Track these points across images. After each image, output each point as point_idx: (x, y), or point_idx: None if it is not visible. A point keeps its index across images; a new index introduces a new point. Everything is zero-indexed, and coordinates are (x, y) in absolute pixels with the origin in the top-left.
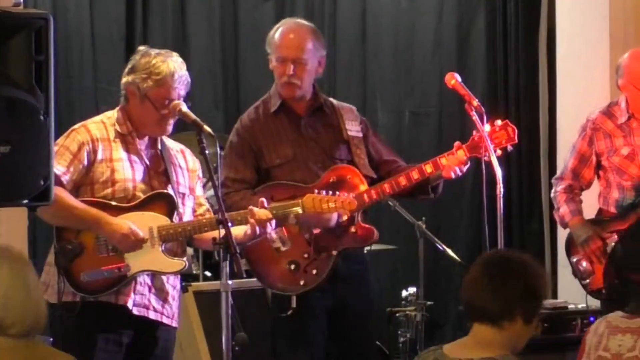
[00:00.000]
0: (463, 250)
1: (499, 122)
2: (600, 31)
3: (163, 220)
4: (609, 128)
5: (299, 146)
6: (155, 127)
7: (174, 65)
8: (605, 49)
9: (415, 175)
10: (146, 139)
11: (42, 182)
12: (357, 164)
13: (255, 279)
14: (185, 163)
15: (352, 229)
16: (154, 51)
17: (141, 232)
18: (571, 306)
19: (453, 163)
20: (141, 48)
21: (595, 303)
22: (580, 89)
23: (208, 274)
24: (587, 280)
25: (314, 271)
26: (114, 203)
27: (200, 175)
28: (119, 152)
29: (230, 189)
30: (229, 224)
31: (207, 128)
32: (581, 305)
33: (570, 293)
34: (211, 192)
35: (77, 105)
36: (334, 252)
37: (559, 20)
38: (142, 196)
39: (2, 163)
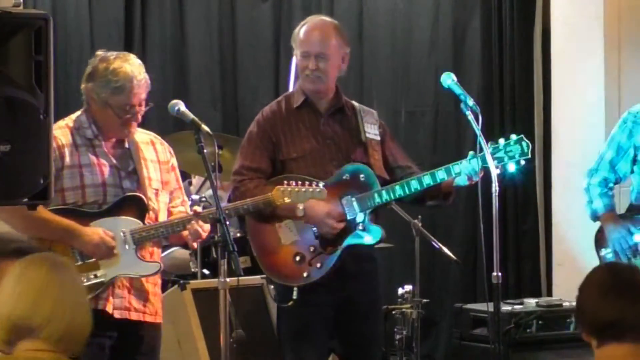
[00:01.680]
0: (459, 249)
1: (514, 137)
2: (594, 31)
3: (135, 223)
4: None
5: (317, 143)
6: (119, 132)
7: (132, 69)
8: (599, 48)
9: (426, 180)
10: (113, 139)
11: (41, 181)
12: (372, 166)
13: (253, 278)
14: (156, 155)
15: (360, 227)
16: (111, 55)
17: (113, 237)
18: (566, 304)
19: (466, 171)
20: (99, 53)
21: None
22: (574, 88)
23: (206, 272)
24: None
25: (318, 264)
26: (85, 209)
27: (175, 164)
28: (86, 157)
29: (245, 177)
30: (227, 222)
31: (205, 127)
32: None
33: (565, 291)
34: (210, 191)
35: (76, 105)
36: (339, 248)
37: (554, 21)
38: (114, 200)
39: (2, 162)
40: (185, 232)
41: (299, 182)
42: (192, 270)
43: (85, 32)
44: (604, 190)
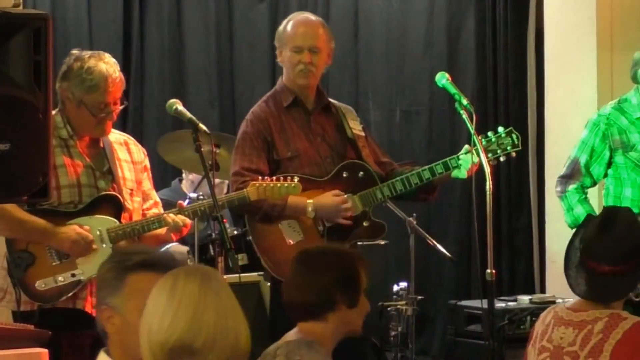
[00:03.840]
0: (453, 246)
1: (501, 130)
2: (587, 31)
3: (111, 222)
4: (623, 123)
5: (309, 141)
6: (94, 130)
7: (107, 68)
8: (592, 49)
9: (426, 174)
10: (87, 138)
11: (40, 179)
12: (365, 162)
13: (250, 275)
14: (130, 156)
15: (365, 223)
16: (86, 54)
17: (89, 234)
18: (559, 300)
19: (466, 163)
20: (74, 52)
21: None
22: (567, 88)
23: None
24: None
25: None
26: (61, 209)
27: (148, 165)
28: (61, 158)
29: (247, 178)
30: (224, 220)
31: (202, 126)
32: (569, 300)
33: (558, 287)
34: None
35: None
36: (346, 245)
37: (547, 21)
38: (89, 200)
39: (2, 160)
40: (161, 231)
41: (274, 178)
42: None
43: (84, 32)
44: (582, 196)
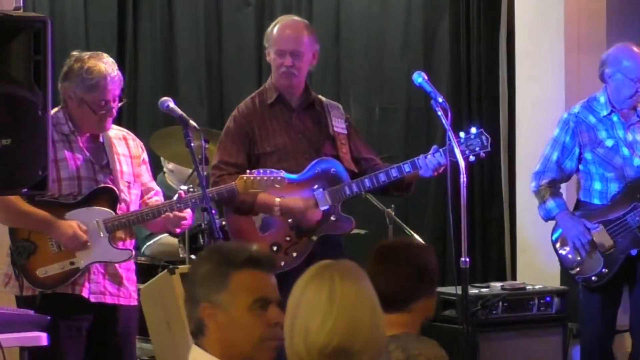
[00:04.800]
0: (429, 235)
1: (473, 131)
2: (555, 34)
3: (107, 213)
4: (592, 122)
5: (289, 137)
6: (95, 127)
7: (105, 67)
8: (560, 49)
9: (394, 173)
10: (87, 134)
11: (40, 172)
12: (341, 159)
13: None
14: (128, 150)
15: (332, 218)
16: (85, 55)
17: (87, 229)
18: (529, 287)
19: (431, 165)
20: (74, 53)
21: (551, 284)
22: (537, 86)
23: (194, 257)
24: (577, 270)
25: (294, 254)
26: (61, 201)
27: (146, 159)
28: (62, 152)
29: (224, 172)
30: (213, 211)
31: (192, 122)
32: (538, 286)
33: (528, 275)
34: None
35: None
36: (314, 238)
37: (518, 23)
38: (87, 192)
39: (4, 154)
40: (170, 214)
41: (260, 171)
42: (181, 255)
43: (81, 33)
44: (554, 191)
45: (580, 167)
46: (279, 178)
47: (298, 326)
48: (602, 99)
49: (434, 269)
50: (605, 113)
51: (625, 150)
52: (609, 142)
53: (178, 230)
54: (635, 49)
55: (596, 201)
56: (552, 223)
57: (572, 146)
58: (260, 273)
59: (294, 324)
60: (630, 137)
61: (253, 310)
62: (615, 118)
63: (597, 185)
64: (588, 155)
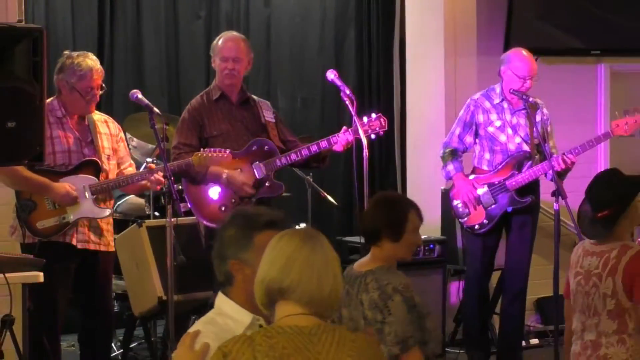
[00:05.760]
0: (339, 197)
1: (373, 115)
2: (437, 41)
3: (92, 179)
4: (487, 106)
5: (231, 125)
6: (83, 109)
7: (92, 62)
8: (440, 54)
9: (313, 148)
10: (76, 117)
11: (38, 148)
12: (272, 140)
13: (191, 218)
14: (109, 130)
15: (267, 184)
16: (75, 54)
17: (76, 190)
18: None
19: (342, 141)
20: (65, 52)
21: (434, 235)
22: (422, 83)
23: (157, 214)
24: (465, 219)
25: None
26: (55, 169)
27: (123, 137)
28: (56, 132)
29: (181, 151)
30: (172, 178)
31: (156, 109)
32: (424, 237)
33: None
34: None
35: None
36: (253, 200)
37: (408, 34)
38: (76, 162)
39: (10, 134)
40: (143, 183)
41: (211, 149)
42: (147, 212)
43: (69, 38)
44: (455, 157)
45: (477, 141)
46: (225, 154)
47: (258, 271)
48: (497, 90)
49: (403, 221)
50: (497, 101)
51: (509, 131)
52: (497, 123)
53: (158, 189)
54: (524, 52)
55: (485, 168)
56: (435, 186)
57: (471, 124)
58: (278, 233)
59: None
60: (514, 120)
61: None
62: (505, 105)
63: (487, 156)
64: (482, 132)
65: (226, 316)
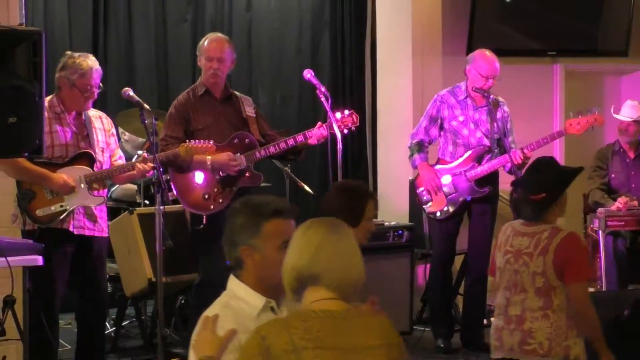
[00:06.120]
0: (315, 186)
1: (346, 112)
2: (405, 42)
3: (87, 170)
4: (452, 102)
5: (214, 119)
6: (81, 106)
7: (91, 62)
8: (408, 54)
9: (290, 142)
10: (73, 113)
11: (37, 141)
12: (252, 133)
13: (178, 206)
14: (102, 125)
15: (247, 174)
16: (76, 54)
17: (72, 181)
18: (386, 223)
19: (317, 135)
20: (67, 52)
21: (402, 221)
22: (392, 82)
23: (147, 202)
24: (428, 205)
25: (220, 200)
26: (54, 161)
27: (114, 132)
28: (55, 126)
29: (168, 142)
30: (161, 169)
31: (146, 106)
32: (393, 223)
33: (386, 215)
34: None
35: None
36: (234, 189)
37: (378, 36)
38: (72, 155)
39: (11, 129)
40: (134, 172)
41: (196, 140)
42: (137, 200)
43: (66, 41)
44: (421, 148)
45: (441, 133)
46: (209, 145)
47: (285, 259)
48: (463, 87)
49: (362, 208)
50: (462, 97)
51: (472, 125)
52: (461, 118)
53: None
54: (488, 53)
55: (448, 159)
56: (404, 177)
57: (436, 118)
58: (284, 220)
59: (286, 258)
60: (477, 116)
61: (282, 249)
62: (469, 101)
63: (450, 148)
64: (446, 126)
65: (240, 299)
